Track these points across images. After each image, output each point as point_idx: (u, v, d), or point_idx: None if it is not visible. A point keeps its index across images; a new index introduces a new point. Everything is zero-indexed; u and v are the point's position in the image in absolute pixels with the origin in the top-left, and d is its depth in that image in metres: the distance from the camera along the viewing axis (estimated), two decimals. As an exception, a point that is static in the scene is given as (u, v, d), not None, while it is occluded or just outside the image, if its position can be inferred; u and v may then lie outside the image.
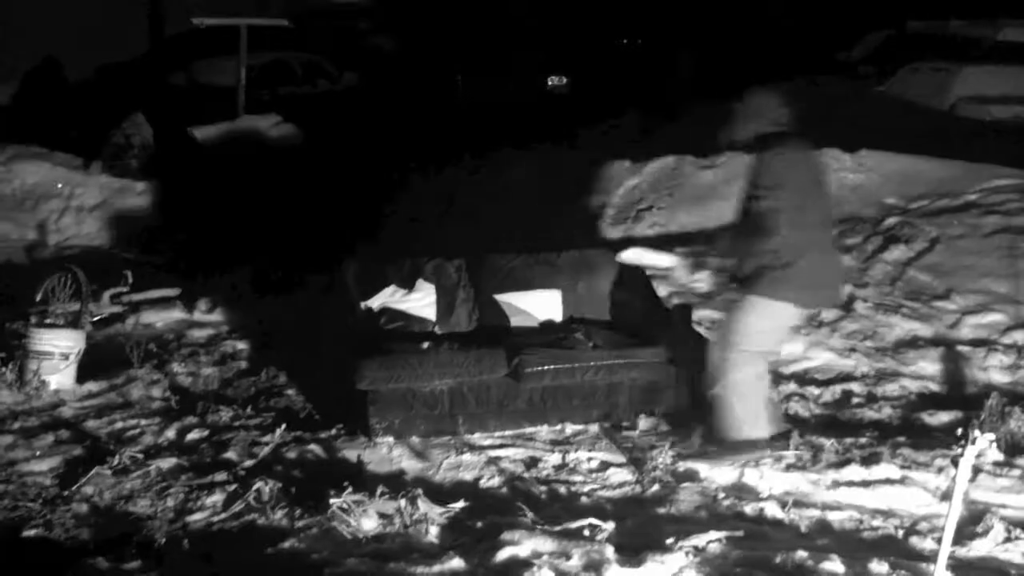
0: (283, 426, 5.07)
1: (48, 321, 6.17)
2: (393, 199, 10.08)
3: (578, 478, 4.73)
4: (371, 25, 21.01)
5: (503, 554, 3.76)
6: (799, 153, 4.68)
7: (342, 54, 17.85)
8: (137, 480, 4.59)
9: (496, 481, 4.69)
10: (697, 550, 3.82)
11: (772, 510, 4.28)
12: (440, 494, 4.36)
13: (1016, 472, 4.69)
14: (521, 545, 3.80)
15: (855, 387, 5.94)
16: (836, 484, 4.55)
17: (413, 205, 9.99)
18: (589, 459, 4.91)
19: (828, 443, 4.93)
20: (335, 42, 18.50)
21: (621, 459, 4.91)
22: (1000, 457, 4.80)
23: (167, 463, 4.77)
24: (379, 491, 4.17)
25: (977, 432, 3.16)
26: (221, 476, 4.64)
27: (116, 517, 4.30)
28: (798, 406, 5.65)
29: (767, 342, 4.78)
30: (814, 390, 5.88)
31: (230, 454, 4.93)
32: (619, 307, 6.04)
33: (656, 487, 4.57)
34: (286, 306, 7.09)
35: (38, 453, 4.96)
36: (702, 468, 4.71)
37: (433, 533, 4.03)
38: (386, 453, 4.97)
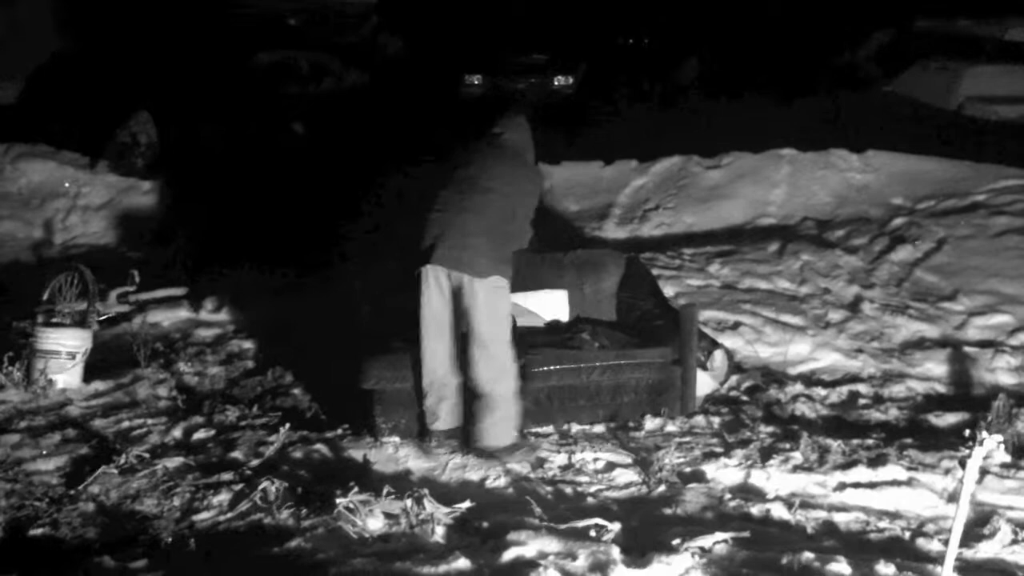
0: (287, 425, 5.07)
1: (55, 320, 6.16)
2: (398, 197, 10.06)
3: (584, 478, 4.72)
4: (378, 24, 21.03)
5: (509, 554, 3.76)
6: (458, 153, 5.34)
7: (348, 53, 17.87)
8: (143, 479, 4.60)
9: (502, 481, 4.68)
10: (703, 551, 3.81)
11: (778, 511, 4.27)
12: (446, 494, 4.35)
13: (1023, 474, 4.68)
14: (527, 545, 3.80)
15: (862, 388, 5.93)
16: (843, 485, 4.54)
17: (417, 203, 9.96)
18: (595, 459, 4.90)
19: (835, 444, 4.91)
20: (341, 41, 18.52)
21: (627, 459, 4.90)
22: (1007, 459, 4.78)
23: (173, 462, 4.77)
24: (385, 491, 4.17)
25: (984, 433, 3.16)
26: (227, 475, 4.64)
27: (122, 516, 4.31)
28: (804, 407, 5.64)
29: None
30: (820, 391, 5.88)
31: (236, 453, 4.93)
32: (625, 307, 6.04)
33: (662, 488, 4.56)
34: (292, 305, 7.09)
35: (45, 452, 4.97)
36: (708, 469, 4.71)
37: (439, 533, 4.03)
38: (392, 453, 4.97)
